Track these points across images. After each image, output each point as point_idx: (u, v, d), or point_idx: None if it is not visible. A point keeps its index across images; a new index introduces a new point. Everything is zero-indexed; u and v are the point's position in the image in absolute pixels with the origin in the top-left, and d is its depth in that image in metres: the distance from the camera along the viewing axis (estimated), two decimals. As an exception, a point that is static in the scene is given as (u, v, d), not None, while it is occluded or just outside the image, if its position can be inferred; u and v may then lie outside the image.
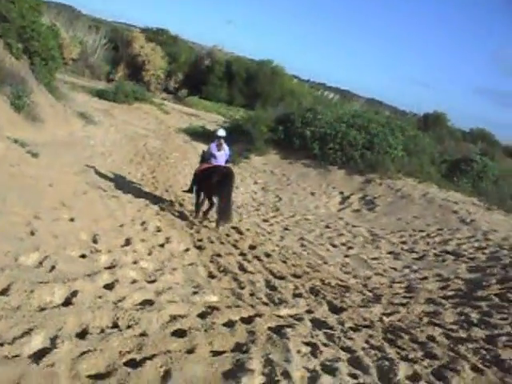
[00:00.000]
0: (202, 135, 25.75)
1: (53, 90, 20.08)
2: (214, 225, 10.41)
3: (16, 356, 3.33)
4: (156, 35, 57.46)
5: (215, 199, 10.81)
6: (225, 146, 11.52)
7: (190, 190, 11.85)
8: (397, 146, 18.75)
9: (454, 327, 6.17)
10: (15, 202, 6.42)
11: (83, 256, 5.64)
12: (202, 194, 11.28)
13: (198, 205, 11.33)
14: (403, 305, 6.96)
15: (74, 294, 4.39)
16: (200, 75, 51.14)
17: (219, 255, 7.88)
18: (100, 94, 32.91)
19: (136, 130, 23.64)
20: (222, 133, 11.65)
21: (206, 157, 11.75)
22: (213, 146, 11.43)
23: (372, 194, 16.19)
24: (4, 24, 16.52)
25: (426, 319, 6.39)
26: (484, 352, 5.31)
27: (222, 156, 11.40)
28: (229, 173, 10.82)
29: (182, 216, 10.72)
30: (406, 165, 18.29)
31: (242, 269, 7.41)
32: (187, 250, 7.77)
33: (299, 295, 6.58)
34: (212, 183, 10.62)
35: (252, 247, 9.14)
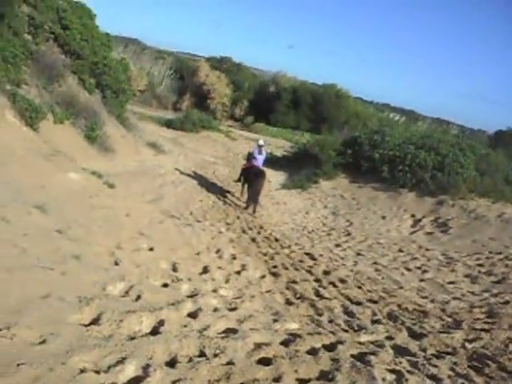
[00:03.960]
0: (271, 161, 25.91)
1: (123, 122, 20.65)
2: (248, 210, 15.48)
3: (112, 384, 3.45)
4: (220, 63, 58.55)
5: (250, 191, 15.91)
6: (263, 152, 17.07)
7: (238, 180, 17.50)
8: (468, 165, 18.37)
9: (543, 354, 5.99)
10: (97, 233, 6.66)
11: (165, 285, 5.80)
12: (244, 184, 16.69)
13: (242, 189, 17.05)
14: (486, 331, 6.79)
15: (161, 322, 4.52)
16: (265, 102, 51.63)
17: (295, 282, 7.91)
18: (168, 124, 33.63)
19: (204, 158, 24.01)
20: (261, 142, 17.49)
21: (249, 158, 17.19)
22: (255, 150, 17.09)
23: (444, 216, 15.88)
24: (78, 61, 17.19)
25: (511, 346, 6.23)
26: None
27: (260, 158, 16.85)
28: (262, 172, 16.03)
29: (255, 243, 10.78)
30: (478, 185, 17.89)
31: (318, 295, 7.41)
32: (263, 276, 7.84)
33: (377, 321, 6.54)
34: (250, 177, 16.04)
35: (326, 273, 9.11)
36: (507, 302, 8.79)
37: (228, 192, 17.84)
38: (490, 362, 5.43)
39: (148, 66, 52.22)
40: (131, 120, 22.86)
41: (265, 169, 16.80)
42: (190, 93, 52.89)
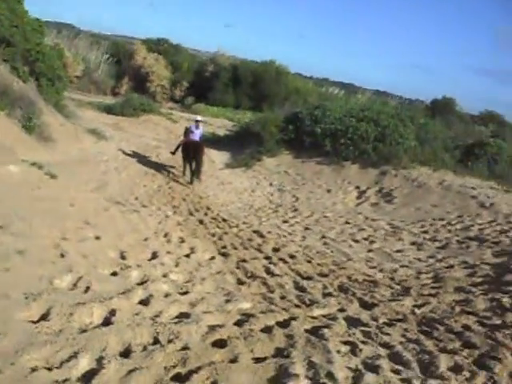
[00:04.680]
0: (213, 141, 25.75)
1: (61, 109, 20.15)
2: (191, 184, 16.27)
3: (66, 380, 3.37)
4: (157, 45, 57.62)
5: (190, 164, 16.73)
6: (200, 127, 17.96)
7: (173, 153, 18.28)
8: (408, 135, 18.70)
9: (488, 314, 6.17)
10: (41, 225, 6.49)
11: (114, 274, 5.70)
12: (185, 158, 17.14)
13: (184, 166, 17.44)
14: (433, 295, 6.97)
15: (112, 312, 4.45)
16: (205, 82, 51.16)
17: (245, 261, 7.90)
18: (108, 109, 32.96)
19: (147, 142, 23.69)
20: (198, 118, 18.87)
21: (187, 132, 17.71)
22: (192, 126, 18.01)
23: (388, 186, 16.16)
24: (9, 48, 16.64)
25: (458, 308, 6.39)
26: (522, 337, 5.32)
27: (197, 133, 17.61)
28: (200, 145, 16.90)
29: (203, 224, 10.72)
30: (419, 154, 18.25)
31: (269, 272, 7.44)
32: (213, 258, 7.81)
33: (329, 294, 6.61)
34: (189, 151, 16.75)
35: (276, 250, 9.15)
36: (451, 266, 9.04)
37: (173, 175, 17.67)
38: (438, 326, 5.57)
39: (84, 52, 50.99)
40: (70, 107, 22.33)
41: (202, 142, 17.71)
42: (129, 76, 51.95)
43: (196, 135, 17.50)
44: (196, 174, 16.49)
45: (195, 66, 55.90)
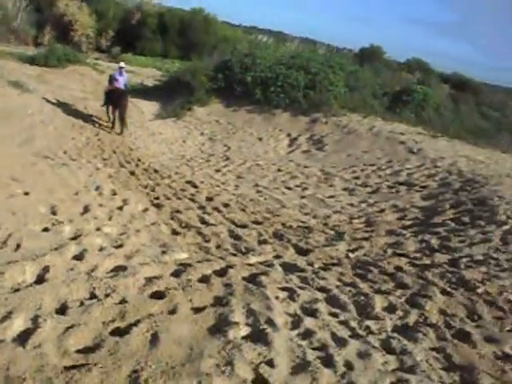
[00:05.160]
0: (142, 92, 25.21)
1: (-20, 61, 19.31)
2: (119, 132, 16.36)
3: (0, 341, 3.27)
4: (79, -9, 55.57)
5: (116, 112, 16.58)
6: (124, 74, 17.57)
7: (104, 104, 17.66)
8: (338, 83, 18.82)
9: (418, 255, 6.37)
10: (-38, 184, 6.23)
11: (46, 229, 5.52)
12: (110, 106, 17.20)
13: (108, 114, 17.46)
14: (366, 239, 7.12)
15: (46, 269, 4.30)
16: (132, 30, 49.84)
17: (178, 211, 7.82)
18: (30, 60, 31.66)
19: (74, 94, 22.97)
20: (122, 64, 18.13)
21: (111, 80, 17.49)
22: (116, 73, 17.66)
23: (319, 133, 16.30)
24: None
25: (390, 251, 6.56)
26: (449, 275, 5.52)
27: (121, 80, 17.18)
28: (124, 92, 16.84)
29: (135, 176, 10.53)
30: (349, 101, 18.42)
31: (204, 222, 7.40)
32: (146, 209, 7.68)
33: (264, 242, 6.64)
34: (114, 99, 16.68)
35: (209, 199, 9.12)
36: (382, 210, 9.27)
37: (101, 126, 17.26)
38: (372, 268, 5.70)
39: (0, -1, 48.70)
40: (-11, 59, 21.42)
41: (126, 88, 17.62)
42: (51, 26, 49.97)
43: (120, 82, 17.19)
44: (122, 121, 16.51)
45: (121, 14, 54.32)
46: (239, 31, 60.89)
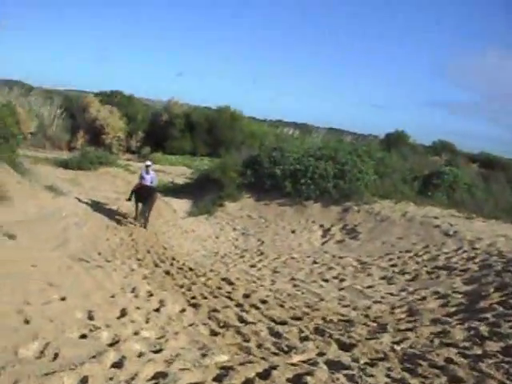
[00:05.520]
0: (173, 190, 25.61)
1: (17, 167, 19.84)
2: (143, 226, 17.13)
3: None
4: (110, 97, 57.62)
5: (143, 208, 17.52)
6: (151, 172, 18.19)
7: (129, 199, 18.45)
8: (367, 170, 18.89)
9: (467, 344, 6.08)
10: (2, 291, 6.22)
11: (84, 336, 5.43)
12: (137, 202, 17.90)
13: (136, 209, 18.15)
14: (410, 330, 6.86)
15: (84, 380, 4.16)
16: (160, 131, 51.30)
17: (216, 310, 7.69)
18: (64, 164, 32.63)
19: (107, 195, 23.41)
20: (148, 163, 19.07)
21: (139, 178, 18.38)
22: (143, 171, 18.33)
23: (352, 223, 16.20)
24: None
25: (437, 341, 6.29)
26: (506, 366, 5.22)
27: (148, 178, 17.89)
28: (152, 189, 17.65)
29: (170, 276, 10.49)
30: (379, 188, 18.41)
31: (242, 320, 7.25)
32: (183, 310, 7.59)
33: (306, 338, 6.45)
34: (140, 196, 17.53)
35: (246, 296, 8.97)
36: (424, 298, 8.98)
37: (134, 225, 17.44)
38: (420, 361, 5.45)
39: (37, 108, 50.66)
40: (25, 165, 22.00)
41: (154, 186, 18.23)
42: (83, 130, 51.70)
43: (147, 180, 17.93)
44: (146, 217, 17.52)
45: (149, 116, 56.04)
46: (265, 126, 62.16)
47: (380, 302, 9.03)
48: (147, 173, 18.12)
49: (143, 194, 17.50)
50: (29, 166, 22.21)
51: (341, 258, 13.12)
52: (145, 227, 17.19)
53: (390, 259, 12.39)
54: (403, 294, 9.55)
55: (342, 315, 7.99)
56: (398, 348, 6.01)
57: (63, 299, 6.70)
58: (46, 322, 5.53)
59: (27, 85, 65.62)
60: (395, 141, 36.75)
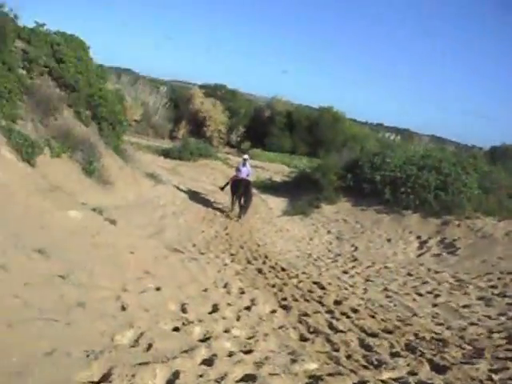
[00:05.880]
0: (270, 187, 25.72)
1: (120, 153, 20.47)
2: (237, 218, 18.11)
3: None
4: (214, 90, 58.71)
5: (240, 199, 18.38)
6: (247, 164, 19.29)
7: (222, 188, 20.44)
8: (471, 184, 18.19)
9: None
10: (101, 275, 6.40)
11: (176, 329, 5.49)
12: (233, 194, 18.87)
13: (232, 202, 19.14)
14: (510, 359, 6.52)
15: (176, 374, 4.18)
16: (261, 127, 51.73)
17: (306, 314, 7.61)
18: (165, 153, 33.53)
19: (205, 187, 23.83)
20: (246, 156, 20.27)
21: (236, 170, 19.77)
22: (240, 164, 19.63)
23: (451, 237, 15.63)
24: (73, 94, 17.08)
25: (540, 375, 5.94)
26: None
27: (244, 170, 19.05)
28: (247, 182, 18.41)
29: (262, 274, 10.49)
30: (483, 203, 17.68)
31: (332, 328, 7.12)
32: (274, 311, 7.56)
33: (397, 354, 6.25)
34: (236, 188, 18.43)
35: (337, 302, 8.83)
36: (526, 325, 8.54)
37: (230, 219, 17.63)
38: (520, 395, 5.17)
39: (142, 96, 52.29)
40: (128, 151, 22.67)
41: (250, 179, 19.24)
42: (186, 121, 52.96)
43: (243, 173, 19.03)
44: (243, 209, 18.32)
45: (252, 111, 56.62)
46: (366, 128, 61.52)
47: (476, 324, 8.64)
48: (244, 165, 19.20)
49: (238, 187, 18.31)
50: (132, 153, 22.88)
51: (437, 272, 12.70)
52: (239, 219, 18.08)
53: (490, 279, 11.85)
54: (502, 318, 9.09)
55: (435, 333, 7.70)
56: (496, 378, 5.71)
57: (158, 289, 6.81)
58: (141, 311, 5.64)
59: (135, 73, 67.90)
60: (502, 154, 35.25)
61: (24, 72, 15.06)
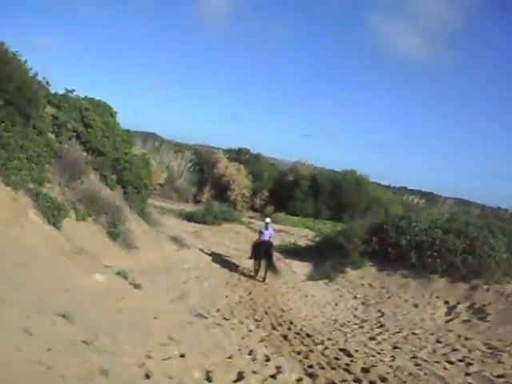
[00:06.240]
0: (294, 251, 25.58)
1: (145, 217, 20.65)
2: (262, 280, 18.49)
3: None
4: (238, 154, 59.47)
5: (263, 262, 18.91)
6: (269, 228, 19.78)
7: (250, 257, 20.11)
8: (500, 247, 17.85)
9: None
10: (125, 341, 6.30)
11: (201, 399, 5.37)
12: (256, 257, 19.30)
13: (254, 264, 19.47)
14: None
15: None
16: (285, 191, 52.04)
17: (333, 383, 7.40)
18: (189, 217, 33.72)
19: (229, 251, 23.80)
20: (268, 220, 20.58)
21: (259, 234, 20.32)
22: (262, 228, 20.12)
23: (480, 302, 15.23)
24: (100, 158, 17.39)
25: None
26: None
27: (266, 233, 19.59)
28: (270, 244, 19.15)
29: (287, 340, 10.27)
30: (512, 266, 17.31)
31: (362, 398, 6.90)
32: (300, 379, 7.36)
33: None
34: (259, 250, 18.93)
35: (365, 370, 8.56)
36: None
37: (254, 285, 17.47)
38: None
39: (167, 160, 53.10)
40: (153, 215, 22.84)
41: (272, 241, 19.96)
42: (210, 185, 53.53)
43: (266, 235, 19.61)
44: (270, 268, 18.88)
45: (275, 175, 57.06)
46: (390, 192, 61.46)
47: (513, 396, 8.32)
48: (266, 229, 19.76)
49: (261, 249, 18.86)
50: (156, 217, 23.04)
51: (467, 339, 12.32)
52: (263, 281, 18.50)
53: (523, 347, 11.47)
54: (539, 388, 8.75)
55: (470, 405, 7.41)
56: None
57: (182, 356, 6.68)
58: (165, 378, 5.51)
59: (160, 137, 69.18)
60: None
61: (53, 136, 15.43)
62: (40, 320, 5.61)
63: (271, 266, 18.90)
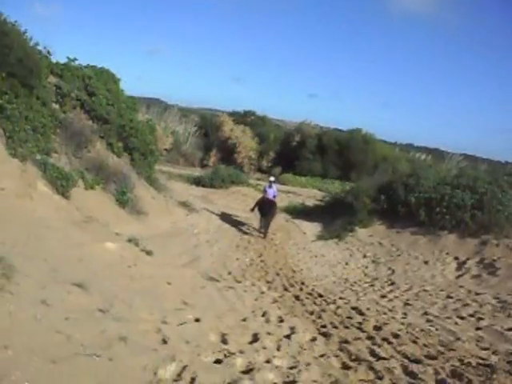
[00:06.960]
0: (303, 212, 25.62)
1: (153, 183, 20.66)
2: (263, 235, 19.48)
3: None
4: (244, 117, 59.09)
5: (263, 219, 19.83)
6: (273, 186, 20.75)
7: (252, 210, 20.90)
8: (509, 202, 17.82)
9: None
10: (140, 307, 6.38)
11: (218, 361, 5.43)
12: (260, 214, 20.12)
13: (260, 220, 20.35)
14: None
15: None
16: (291, 151, 51.80)
17: (347, 341, 7.47)
18: (197, 181, 33.70)
19: (237, 214, 23.83)
20: (272, 178, 21.91)
21: (263, 191, 21.58)
22: (267, 185, 21.16)
23: (490, 257, 15.28)
24: (105, 126, 17.35)
25: None
26: None
27: (270, 191, 20.43)
28: (271, 201, 19.96)
29: (300, 301, 10.37)
30: (522, 221, 17.28)
31: (374, 355, 6.97)
32: (314, 339, 7.43)
33: (443, 382, 6.08)
34: (262, 207, 19.92)
35: (377, 328, 8.66)
36: None
37: (264, 247, 17.55)
38: None
39: (172, 125, 52.85)
40: (161, 180, 22.85)
41: (275, 199, 20.67)
42: (216, 148, 53.33)
43: (270, 194, 20.42)
44: (266, 227, 19.81)
45: (281, 136, 56.76)
46: (397, 149, 61.06)
47: (524, 347, 8.38)
48: (270, 187, 20.66)
49: (265, 207, 19.80)
50: (164, 182, 23.04)
51: (477, 294, 12.41)
52: (264, 237, 19.40)
53: (535, 300, 11.53)
54: (551, 340, 8.82)
55: (482, 359, 7.47)
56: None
57: (198, 320, 6.77)
58: (182, 343, 5.59)
59: (164, 102, 68.73)
60: (538, 170, 34.62)
61: (57, 106, 15.36)
62: (56, 290, 5.67)
63: (268, 225, 19.76)
